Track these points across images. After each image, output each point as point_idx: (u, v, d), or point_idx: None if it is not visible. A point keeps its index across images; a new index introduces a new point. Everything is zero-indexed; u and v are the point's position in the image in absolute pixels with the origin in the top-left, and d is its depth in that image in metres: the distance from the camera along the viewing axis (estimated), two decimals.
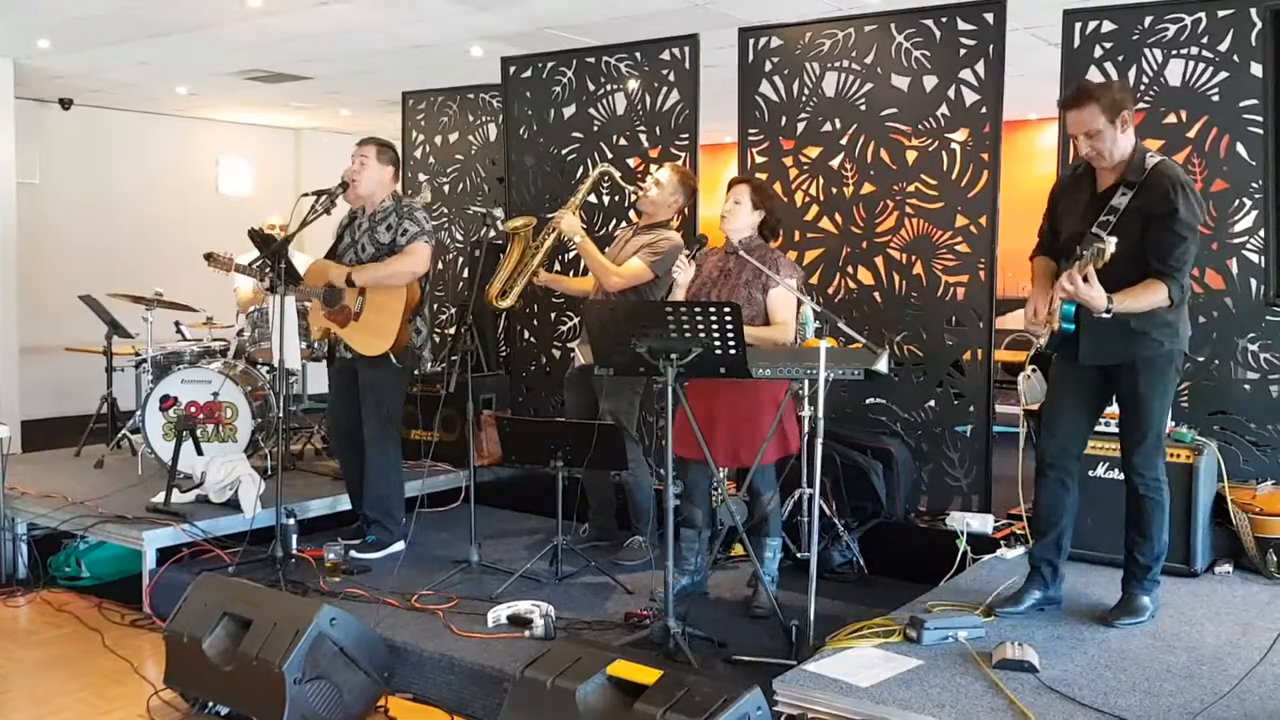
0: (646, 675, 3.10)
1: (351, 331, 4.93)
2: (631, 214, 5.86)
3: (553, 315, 6.39)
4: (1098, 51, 4.90)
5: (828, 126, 5.46)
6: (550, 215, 5.26)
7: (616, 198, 6.07)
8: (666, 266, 4.71)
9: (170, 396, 5.85)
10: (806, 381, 4.18)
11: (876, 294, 5.37)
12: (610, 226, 6.04)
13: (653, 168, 5.22)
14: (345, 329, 4.93)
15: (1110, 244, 3.35)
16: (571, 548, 4.86)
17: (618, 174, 5.39)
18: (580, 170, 6.22)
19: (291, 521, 4.83)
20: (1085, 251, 3.44)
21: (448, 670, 3.85)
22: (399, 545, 5.06)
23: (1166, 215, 3.52)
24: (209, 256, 5.15)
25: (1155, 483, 3.75)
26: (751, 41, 5.63)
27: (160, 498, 5.20)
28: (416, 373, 5.29)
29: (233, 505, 5.18)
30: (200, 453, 5.54)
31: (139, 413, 6.13)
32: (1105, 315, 3.47)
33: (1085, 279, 3.42)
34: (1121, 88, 3.73)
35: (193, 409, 5.80)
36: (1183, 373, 4.20)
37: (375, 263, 4.90)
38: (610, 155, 6.09)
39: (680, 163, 5.68)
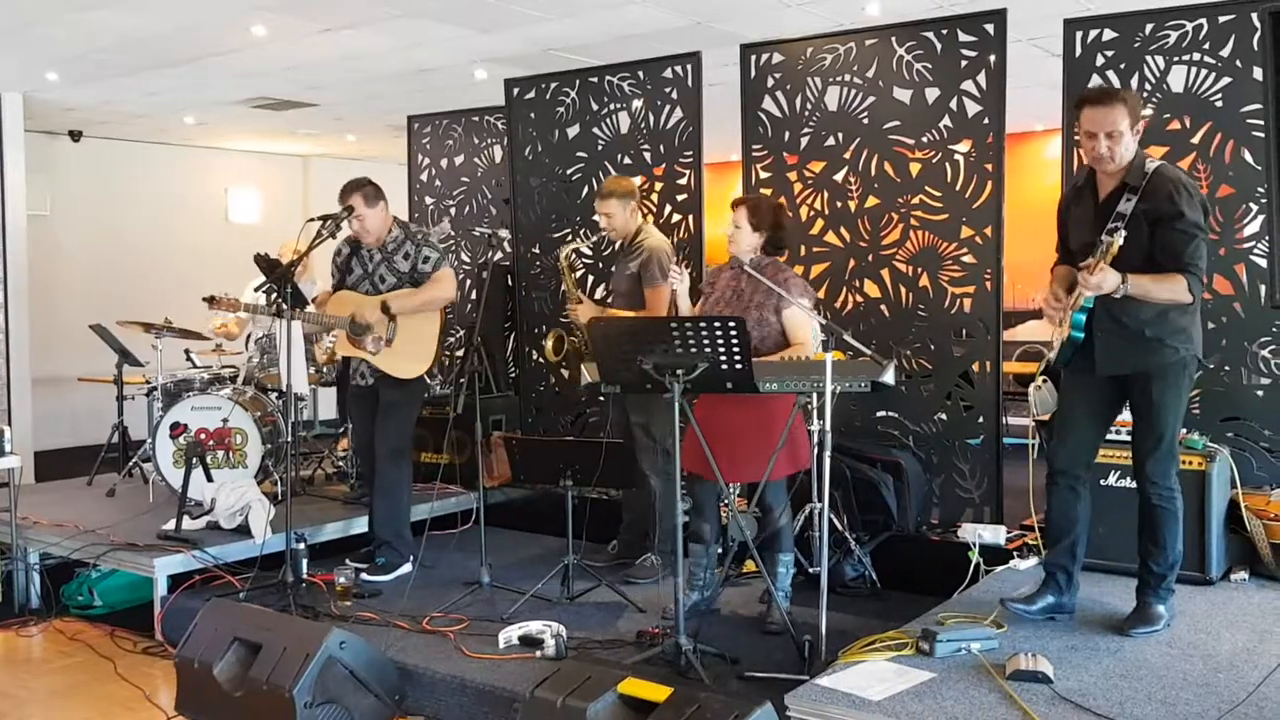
0: (657, 693, 3.09)
1: (385, 357, 5.00)
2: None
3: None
4: (1100, 60, 4.90)
5: (831, 141, 5.46)
6: (567, 320, 5.45)
7: None
8: (664, 268, 4.87)
9: (180, 424, 5.86)
10: (814, 395, 4.17)
11: (884, 307, 5.36)
12: (616, 248, 5.99)
13: (596, 205, 5.23)
14: (377, 356, 4.98)
15: (1119, 237, 3.41)
16: (585, 566, 4.84)
17: (581, 245, 5.49)
18: (585, 190, 6.24)
19: (302, 546, 4.83)
20: (1093, 257, 3.49)
21: (459, 692, 3.84)
22: (409, 566, 5.06)
23: (1173, 217, 3.54)
24: (211, 300, 5.16)
25: (1169, 492, 3.73)
26: (753, 58, 5.64)
27: (171, 525, 5.21)
28: (426, 395, 5.32)
29: (243, 531, 5.17)
30: (210, 479, 5.55)
31: (149, 440, 6.14)
32: (1125, 288, 3.48)
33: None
34: (1136, 97, 3.91)
35: (202, 435, 5.81)
36: (1195, 380, 4.18)
37: (403, 291, 5.00)
38: (615, 174, 6.10)
39: (680, 180, 5.69)
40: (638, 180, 5.99)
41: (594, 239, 5.56)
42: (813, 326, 4.71)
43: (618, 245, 5.29)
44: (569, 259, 5.49)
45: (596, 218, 5.22)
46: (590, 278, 6.23)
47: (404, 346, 5.00)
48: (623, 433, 5.10)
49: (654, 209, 6.00)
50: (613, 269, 5.40)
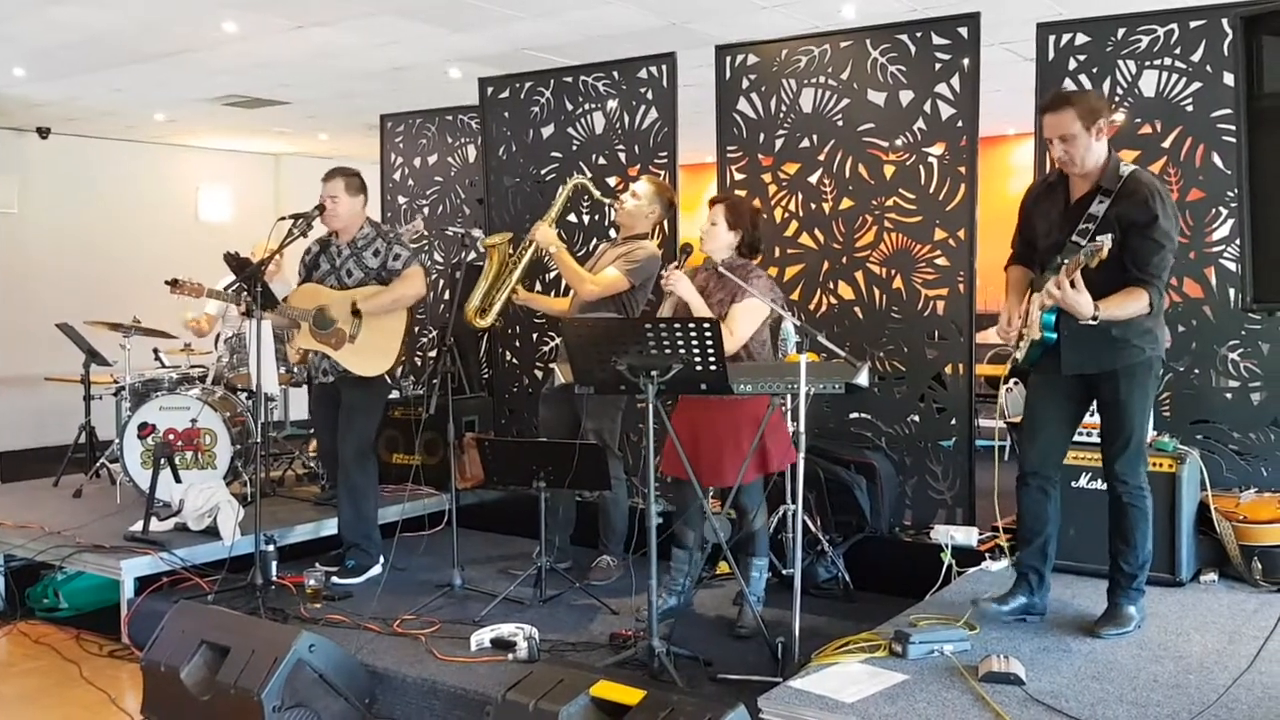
0: (630, 696, 3.08)
1: (347, 354, 4.94)
2: (612, 232, 5.86)
3: (534, 336, 6.37)
4: (1072, 64, 4.93)
5: (805, 142, 5.46)
6: (527, 232, 5.26)
7: (596, 216, 6.07)
8: (643, 275, 4.73)
9: (149, 424, 5.80)
10: (789, 397, 4.17)
11: (857, 309, 5.36)
12: (591, 245, 6.02)
13: (633, 185, 5.23)
14: (339, 351, 4.93)
15: (1107, 241, 3.37)
16: (555, 568, 4.82)
17: (593, 186, 5.37)
18: (559, 188, 6.21)
19: (271, 548, 4.79)
20: (1067, 259, 3.47)
21: (430, 695, 3.81)
22: (378, 567, 5.03)
23: (1147, 224, 3.53)
24: (173, 283, 5.08)
25: (1138, 490, 3.75)
26: (729, 59, 5.64)
27: (138, 526, 5.14)
28: (396, 394, 5.27)
29: (212, 533, 5.12)
30: (178, 480, 5.49)
31: (117, 441, 6.07)
32: (1091, 321, 3.47)
33: (1073, 284, 3.42)
34: (1098, 97, 3.85)
35: (171, 436, 5.75)
36: (1162, 380, 4.22)
37: (371, 287, 4.94)
38: (590, 174, 6.08)
39: (660, 178, 5.69)
40: (613, 181, 5.99)
41: (610, 204, 5.43)
42: (786, 327, 4.73)
43: (617, 238, 5.17)
44: (578, 187, 5.34)
45: (625, 195, 5.14)
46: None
47: (368, 343, 4.93)
48: (559, 434, 5.07)
49: (624, 202, 5.96)
50: (598, 247, 5.34)
